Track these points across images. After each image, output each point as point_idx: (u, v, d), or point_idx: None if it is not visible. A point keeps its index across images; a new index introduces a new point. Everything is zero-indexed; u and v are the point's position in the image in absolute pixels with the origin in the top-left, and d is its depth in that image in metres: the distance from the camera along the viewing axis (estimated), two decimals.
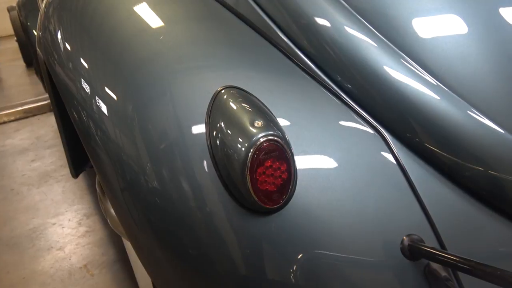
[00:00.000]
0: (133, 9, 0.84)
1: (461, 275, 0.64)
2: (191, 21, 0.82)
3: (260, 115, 0.60)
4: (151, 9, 0.81)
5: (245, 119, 0.59)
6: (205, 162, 0.63)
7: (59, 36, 0.86)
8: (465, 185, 0.69)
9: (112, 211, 1.08)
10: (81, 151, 1.58)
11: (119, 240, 1.78)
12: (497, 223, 0.68)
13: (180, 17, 0.83)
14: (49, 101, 3.83)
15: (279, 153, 0.57)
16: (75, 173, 1.58)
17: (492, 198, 0.69)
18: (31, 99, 4.09)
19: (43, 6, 0.96)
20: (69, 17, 0.87)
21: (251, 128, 0.57)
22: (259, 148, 0.56)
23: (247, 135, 0.57)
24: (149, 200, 0.67)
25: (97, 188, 1.08)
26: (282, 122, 0.66)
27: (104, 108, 0.76)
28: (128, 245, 1.46)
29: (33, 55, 3.39)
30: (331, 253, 0.62)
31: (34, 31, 3.49)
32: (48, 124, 3.65)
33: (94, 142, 0.77)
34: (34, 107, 3.94)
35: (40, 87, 4.20)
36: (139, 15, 0.82)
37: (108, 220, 1.08)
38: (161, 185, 0.65)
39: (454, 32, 0.72)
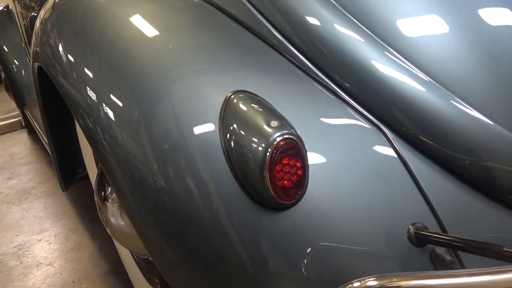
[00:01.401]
0: (135, 18, 0.86)
1: (464, 258, 0.68)
2: (191, 27, 0.85)
3: (274, 116, 0.63)
4: (154, 17, 0.83)
5: (261, 120, 0.62)
6: (220, 164, 0.66)
7: (60, 49, 0.87)
8: (460, 175, 0.74)
9: (112, 219, 1.08)
10: (71, 163, 1.58)
11: (111, 253, 1.76)
12: (492, 209, 0.73)
13: (181, 23, 0.85)
14: (19, 118, 3.75)
15: (295, 150, 0.61)
16: (64, 187, 1.57)
17: (485, 186, 0.74)
18: (1, 117, 3.99)
19: (38, 23, 0.98)
20: (69, 30, 0.89)
21: (267, 128, 0.61)
22: (277, 147, 0.59)
23: (264, 135, 0.60)
24: (164, 201, 0.69)
25: (95, 198, 1.08)
26: (290, 121, 0.69)
27: (111, 115, 0.77)
28: (124, 255, 1.46)
29: (4, 70, 3.32)
30: (343, 246, 0.66)
31: (4, 46, 3.41)
32: (21, 142, 3.56)
33: (102, 147, 0.79)
34: (4, 124, 3.84)
35: (9, 103, 4.09)
36: (141, 23, 0.85)
37: (108, 229, 1.08)
38: (180, 188, 0.67)
39: (438, 27, 0.78)
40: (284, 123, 0.62)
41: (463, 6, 0.79)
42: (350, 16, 0.79)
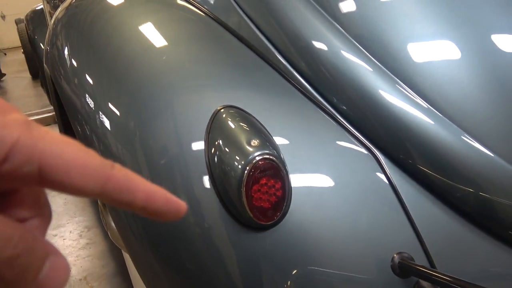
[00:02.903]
0: (138, 29, 0.87)
1: None
2: (193, 42, 0.86)
3: (257, 135, 0.63)
4: (156, 29, 0.84)
5: (242, 138, 0.61)
6: (203, 178, 0.66)
7: (66, 52, 0.89)
8: (455, 206, 0.71)
9: (113, 224, 1.10)
10: None
11: (119, 253, 1.79)
12: (486, 243, 0.70)
13: (183, 38, 0.86)
14: (53, 113, 3.88)
15: (274, 171, 0.60)
16: None
17: (482, 219, 0.71)
18: (36, 111, 4.14)
19: (52, 23, 1.00)
20: (76, 34, 0.91)
21: (247, 146, 0.60)
22: (255, 166, 0.59)
23: (244, 153, 0.59)
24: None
25: (98, 202, 1.10)
26: (279, 140, 0.68)
27: (107, 123, 0.78)
28: (127, 258, 1.48)
29: (40, 67, 3.45)
30: (324, 270, 0.64)
31: (41, 44, 3.54)
32: None
33: None
34: (38, 119, 3.98)
35: (44, 99, 4.25)
36: (144, 35, 0.86)
37: (109, 233, 1.10)
38: None
39: (446, 57, 0.75)
40: (266, 143, 0.61)
41: (471, 33, 0.76)
42: (357, 44, 0.77)
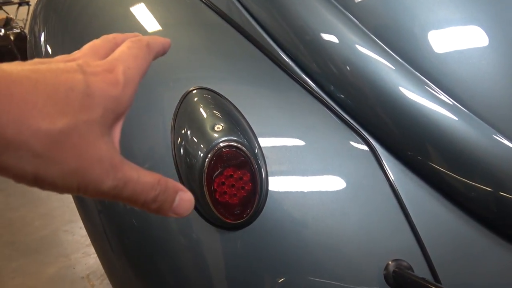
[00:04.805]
0: (121, 13, 0.79)
1: None
2: (180, 26, 0.77)
3: (225, 119, 0.54)
4: (139, 13, 0.76)
5: (207, 122, 0.53)
6: (169, 174, 0.57)
7: (42, 38, 0.82)
8: (467, 207, 0.61)
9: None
10: None
11: None
12: (501, 249, 0.59)
13: (169, 23, 0.77)
14: None
15: (242, 161, 0.51)
16: None
17: (498, 221, 0.60)
18: None
19: (35, 5, 0.93)
20: (55, 17, 0.83)
21: (210, 131, 0.51)
22: (218, 155, 0.50)
23: (205, 140, 0.51)
24: (122, 220, 0.62)
25: None
26: (259, 130, 0.59)
27: None
28: None
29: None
30: (304, 277, 0.55)
31: None
32: None
33: None
34: None
35: None
36: (126, 19, 0.78)
37: None
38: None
39: (474, 48, 0.63)
40: (234, 129, 0.52)
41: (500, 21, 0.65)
42: (371, 34, 0.66)
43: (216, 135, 0.51)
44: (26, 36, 5.29)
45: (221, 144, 0.50)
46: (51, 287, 1.62)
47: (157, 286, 0.61)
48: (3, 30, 5.07)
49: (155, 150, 0.60)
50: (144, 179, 0.28)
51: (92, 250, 1.84)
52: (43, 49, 0.81)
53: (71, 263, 1.76)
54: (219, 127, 0.51)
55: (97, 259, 1.78)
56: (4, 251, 1.88)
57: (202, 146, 0.51)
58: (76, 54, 0.30)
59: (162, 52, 0.36)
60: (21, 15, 5.75)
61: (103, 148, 0.26)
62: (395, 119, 0.62)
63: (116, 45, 0.32)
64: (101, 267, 1.74)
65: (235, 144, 0.50)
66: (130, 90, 0.29)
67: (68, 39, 0.80)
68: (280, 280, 0.56)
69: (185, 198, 0.31)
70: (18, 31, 5.21)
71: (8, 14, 5.57)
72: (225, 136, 0.51)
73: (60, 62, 0.27)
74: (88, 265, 1.73)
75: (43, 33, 0.83)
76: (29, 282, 1.67)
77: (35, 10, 0.90)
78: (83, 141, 0.25)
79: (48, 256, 1.84)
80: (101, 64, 0.29)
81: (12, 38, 5.08)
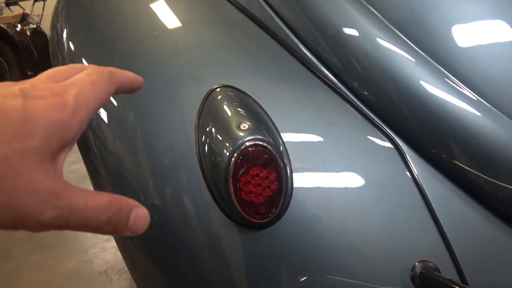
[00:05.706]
0: (142, 10, 0.79)
1: None
2: (201, 24, 0.76)
3: (251, 118, 0.53)
4: (160, 10, 0.76)
5: (233, 121, 0.52)
6: (193, 172, 0.57)
7: (64, 35, 0.83)
8: (494, 207, 0.59)
9: None
10: None
11: None
12: None
13: (192, 20, 0.76)
14: None
15: (267, 160, 0.50)
16: None
17: None
18: None
19: (57, 2, 0.94)
20: (76, 14, 0.84)
21: (236, 130, 0.51)
22: (244, 154, 0.49)
23: (231, 139, 0.50)
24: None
25: None
26: (284, 128, 0.58)
27: (103, 115, 0.70)
28: None
29: None
30: (330, 278, 0.55)
31: None
32: None
33: (93, 154, 0.73)
34: None
35: None
36: (147, 16, 0.77)
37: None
38: (160, 201, 0.60)
39: (501, 43, 0.62)
40: (260, 127, 0.52)
41: None
42: (393, 27, 0.65)
43: (242, 134, 0.50)
44: (42, 32, 5.36)
45: (247, 143, 0.49)
46: (69, 281, 1.64)
47: (178, 281, 0.61)
48: (19, 26, 5.14)
49: (179, 148, 0.60)
50: (92, 203, 0.27)
51: (109, 245, 1.86)
52: (66, 46, 0.82)
53: (88, 257, 1.78)
54: (244, 125, 0.51)
55: (115, 254, 1.80)
56: (23, 245, 1.91)
57: (227, 144, 0.50)
58: (32, 79, 0.29)
59: (129, 87, 0.35)
60: (37, 11, 5.80)
61: (38, 178, 0.24)
62: (418, 115, 0.61)
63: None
64: (119, 262, 1.75)
65: (261, 143, 0.50)
66: (80, 115, 0.27)
67: (90, 36, 0.80)
68: (303, 279, 0.55)
69: (140, 215, 0.30)
70: (34, 26, 5.27)
71: (24, 9, 5.63)
72: (251, 135, 0.50)
73: (2, 87, 0.26)
74: (106, 260, 1.75)
75: (65, 30, 0.84)
76: (47, 276, 1.69)
77: (56, 8, 0.90)
78: (13, 172, 0.23)
79: (65, 250, 1.86)
80: (50, 87, 0.27)
81: (28, 33, 5.14)
